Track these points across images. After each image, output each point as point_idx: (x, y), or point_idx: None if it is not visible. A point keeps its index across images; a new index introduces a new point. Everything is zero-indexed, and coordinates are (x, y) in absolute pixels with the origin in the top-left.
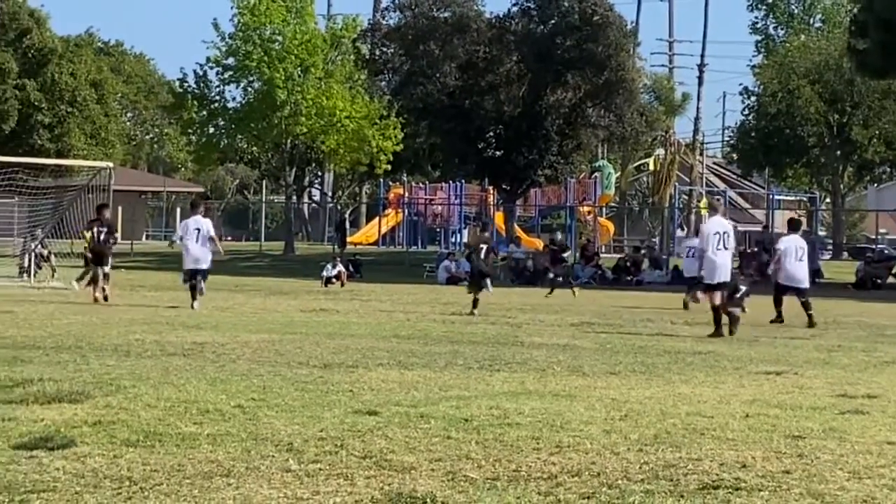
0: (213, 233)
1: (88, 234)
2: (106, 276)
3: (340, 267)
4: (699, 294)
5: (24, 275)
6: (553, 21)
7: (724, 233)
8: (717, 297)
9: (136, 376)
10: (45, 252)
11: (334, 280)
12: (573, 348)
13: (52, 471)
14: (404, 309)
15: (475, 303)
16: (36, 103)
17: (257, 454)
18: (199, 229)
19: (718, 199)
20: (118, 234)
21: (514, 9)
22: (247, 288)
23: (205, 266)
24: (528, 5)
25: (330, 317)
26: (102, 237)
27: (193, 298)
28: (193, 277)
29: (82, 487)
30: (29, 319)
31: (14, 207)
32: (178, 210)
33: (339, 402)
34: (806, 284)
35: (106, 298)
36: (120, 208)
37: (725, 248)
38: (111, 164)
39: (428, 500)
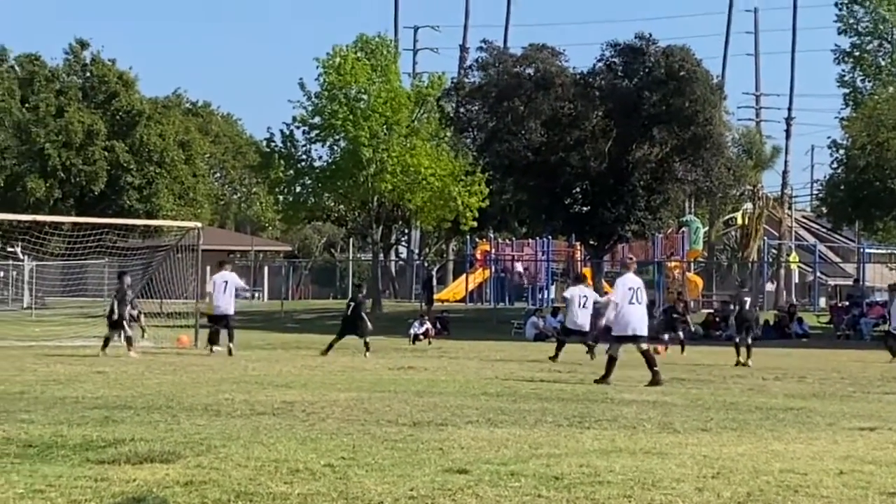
0: (241, 283)
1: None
2: (129, 339)
3: (428, 324)
4: (593, 343)
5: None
6: (639, 76)
7: (638, 288)
8: (618, 350)
9: (226, 436)
10: (136, 312)
11: (422, 337)
12: (663, 404)
13: None
14: (492, 366)
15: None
16: (125, 164)
17: None
18: (226, 282)
19: (631, 259)
20: (139, 304)
21: (599, 64)
22: (335, 346)
23: (230, 311)
24: (613, 60)
25: (418, 374)
26: (117, 304)
27: (212, 343)
28: (217, 323)
29: None
30: (120, 379)
31: (104, 268)
32: (266, 269)
33: (429, 460)
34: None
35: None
36: (208, 268)
37: (639, 302)
38: (199, 224)
39: None
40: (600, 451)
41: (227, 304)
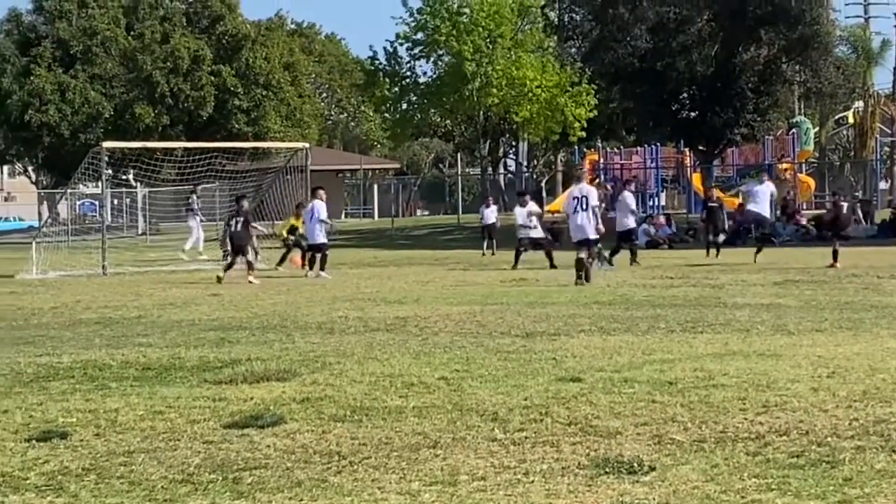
0: (323, 215)
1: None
2: (249, 263)
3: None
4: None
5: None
6: None
7: (582, 197)
8: (583, 252)
9: (340, 353)
10: None
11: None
12: (777, 307)
13: (262, 448)
14: (604, 275)
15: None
16: (232, 88)
17: (463, 425)
18: (313, 210)
19: (581, 170)
20: (256, 224)
21: None
22: (447, 261)
23: (315, 240)
24: None
25: (530, 286)
26: (239, 227)
27: (309, 267)
28: (310, 250)
29: (293, 463)
30: (234, 301)
31: (215, 192)
32: (376, 187)
33: (542, 370)
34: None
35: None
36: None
37: (583, 210)
38: (307, 145)
39: (635, 463)
40: (714, 355)
41: (313, 233)
